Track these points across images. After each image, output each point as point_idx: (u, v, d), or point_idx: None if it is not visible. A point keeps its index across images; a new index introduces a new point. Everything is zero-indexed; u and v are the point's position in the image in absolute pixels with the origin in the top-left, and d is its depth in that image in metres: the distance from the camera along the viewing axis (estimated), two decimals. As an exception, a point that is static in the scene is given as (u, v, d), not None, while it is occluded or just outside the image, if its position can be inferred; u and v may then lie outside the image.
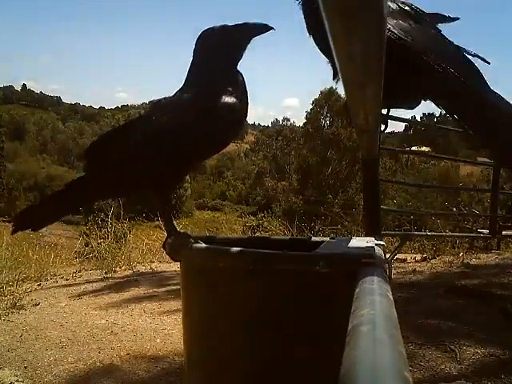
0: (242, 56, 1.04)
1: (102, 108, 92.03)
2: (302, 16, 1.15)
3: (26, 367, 1.97)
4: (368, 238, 0.94)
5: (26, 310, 2.89)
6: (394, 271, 3.42)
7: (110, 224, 5.17)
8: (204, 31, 1.04)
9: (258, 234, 6.58)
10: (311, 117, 24.95)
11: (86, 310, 2.88)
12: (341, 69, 0.65)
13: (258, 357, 0.76)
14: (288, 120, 28.51)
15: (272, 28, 1.01)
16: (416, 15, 1.14)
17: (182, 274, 0.91)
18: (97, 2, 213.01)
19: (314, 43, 1.16)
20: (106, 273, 4.11)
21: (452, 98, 1.15)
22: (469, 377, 1.69)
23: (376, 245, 0.80)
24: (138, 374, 1.89)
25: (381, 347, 0.27)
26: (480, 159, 4.52)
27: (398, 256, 3.92)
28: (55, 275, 4.26)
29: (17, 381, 1.83)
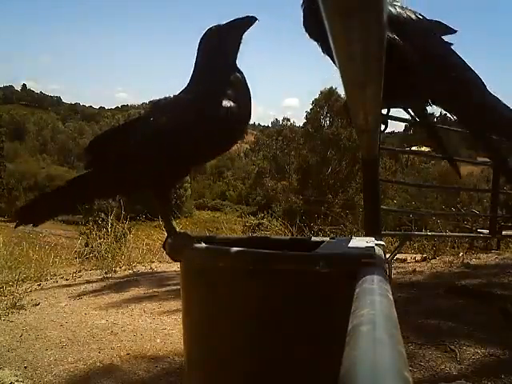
0: (238, 52, 1.05)
1: (101, 108, 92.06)
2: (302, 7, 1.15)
3: (25, 367, 1.97)
4: (368, 238, 0.94)
5: (26, 309, 2.89)
6: (393, 271, 3.42)
7: (110, 224, 5.18)
8: (204, 32, 1.06)
9: (257, 234, 6.58)
10: (311, 117, 24.96)
11: (86, 310, 2.88)
12: (341, 69, 0.65)
13: (257, 357, 0.76)
14: (288, 120, 28.46)
15: (256, 19, 1.03)
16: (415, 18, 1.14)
17: (181, 274, 0.91)
18: (97, 2, 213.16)
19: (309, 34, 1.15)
20: (106, 273, 4.11)
21: (451, 99, 1.15)
22: (469, 377, 1.69)
23: (376, 245, 0.80)
24: (137, 374, 1.89)
25: (381, 347, 0.27)
26: (480, 159, 4.52)
27: (398, 256, 3.92)
28: (55, 275, 4.26)
29: (17, 381, 1.83)
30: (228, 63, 1.03)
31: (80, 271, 4.50)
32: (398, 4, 1.11)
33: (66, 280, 4.04)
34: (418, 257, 4.28)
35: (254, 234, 6.60)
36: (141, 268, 4.48)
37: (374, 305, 0.38)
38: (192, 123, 0.92)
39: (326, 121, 24.97)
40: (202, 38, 1.06)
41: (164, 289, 3.43)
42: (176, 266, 4.01)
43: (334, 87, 24.15)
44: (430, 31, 1.14)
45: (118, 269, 4.37)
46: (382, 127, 1.33)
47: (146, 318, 2.66)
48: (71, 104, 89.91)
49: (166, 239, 0.96)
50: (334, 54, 0.58)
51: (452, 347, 1.95)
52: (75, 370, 1.94)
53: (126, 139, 0.98)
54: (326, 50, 1.10)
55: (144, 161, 0.96)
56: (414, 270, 3.54)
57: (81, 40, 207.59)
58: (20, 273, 3.87)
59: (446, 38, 1.16)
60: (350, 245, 0.84)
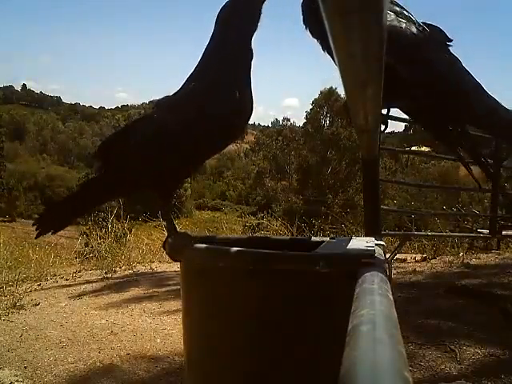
0: (256, 27, 1.00)
1: (101, 108, 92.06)
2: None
3: (25, 367, 1.97)
4: (368, 238, 0.94)
5: (26, 309, 2.89)
6: (394, 271, 3.42)
7: (110, 224, 5.18)
8: (222, 6, 1.02)
9: (257, 234, 6.58)
10: (311, 117, 24.97)
11: (86, 310, 2.88)
12: (341, 68, 0.65)
13: (257, 357, 0.76)
14: (288, 120, 28.47)
15: None
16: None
17: (182, 274, 0.91)
18: (97, 2, 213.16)
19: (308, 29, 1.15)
20: (106, 273, 4.11)
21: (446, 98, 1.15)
22: (469, 377, 1.69)
23: (376, 245, 0.80)
24: (137, 374, 1.89)
25: (381, 347, 0.27)
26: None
27: (398, 256, 3.92)
28: (55, 275, 4.26)
29: (17, 381, 1.83)
30: (241, 41, 0.98)
31: (80, 271, 4.49)
32: (398, 9, 1.11)
33: (66, 280, 4.04)
34: (418, 257, 4.28)
35: (254, 234, 6.60)
36: (141, 268, 4.48)
37: (374, 305, 0.38)
38: (192, 121, 0.92)
39: (325, 121, 24.99)
40: (219, 12, 1.01)
41: (164, 289, 3.43)
42: (176, 266, 4.01)
43: (333, 87, 24.19)
44: (425, 41, 1.14)
45: (118, 269, 4.36)
46: (382, 127, 1.33)
47: (146, 318, 2.66)
48: (71, 104, 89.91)
49: (166, 239, 0.96)
50: (333, 53, 0.58)
51: (452, 347, 1.95)
52: (75, 370, 1.94)
53: (127, 140, 0.98)
54: (327, 48, 1.10)
55: (145, 161, 0.96)
56: (414, 270, 3.54)
57: (81, 40, 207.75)
58: (20, 273, 3.87)
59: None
60: (349, 245, 0.84)
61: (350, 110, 0.98)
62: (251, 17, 1.00)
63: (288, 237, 3.79)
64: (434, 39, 1.15)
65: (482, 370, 1.74)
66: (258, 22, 1.00)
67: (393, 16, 1.09)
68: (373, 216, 1.50)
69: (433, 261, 4.03)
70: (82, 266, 4.79)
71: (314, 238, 1.07)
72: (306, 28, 1.15)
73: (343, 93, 0.87)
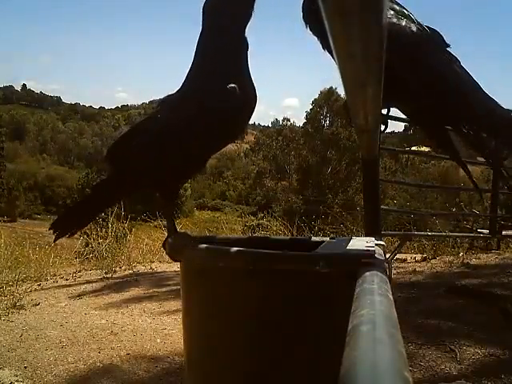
0: (250, 14, 0.96)
1: (101, 108, 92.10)
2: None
3: (25, 367, 1.97)
4: (368, 238, 0.94)
5: (26, 309, 2.89)
6: (394, 271, 3.42)
7: (111, 224, 5.18)
8: None
9: (257, 234, 6.57)
10: (311, 117, 24.97)
11: (86, 309, 2.88)
12: (341, 68, 0.65)
13: (257, 357, 0.76)
14: (288, 120, 28.47)
15: None
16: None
17: (182, 274, 0.91)
18: (97, 2, 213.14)
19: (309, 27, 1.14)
20: (106, 273, 4.11)
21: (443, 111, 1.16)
22: (469, 377, 1.69)
23: (376, 245, 0.80)
24: (137, 374, 1.89)
25: (381, 347, 0.27)
26: (480, 159, 4.52)
27: (398, 256, 3.92)
28: (55, 275, 4.26)
29: (17, 381, 1.83)
30: (233, 32, 0.95)
31: (80, 271, 4.50)
32: (397, 8, 1.11)
33: (66, 280, 4.04)
34: (418, 257, 4.27)
35: (254, 234, 6.60)
36: (141, 268, 4.48)
37: (374, 305, 0.38)
38: (194, 117, 0.90)
39: (325, 121, 24.99)
40: (205, 2, 0.97)
41: (164, 289, 3.43)
42: (176, 266, 4.01)
43: (333, 87, 24.19)
44: (425, 41, 1.13)
45: (117, 269, 4.36)
46: (382, 127, 1.33)
47: (146, 318, 2.66)
48: (71, 104, 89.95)
49: (166, 239, 0.96)
50: (333, 53, 0.58)
51: (452, 347, 1.95)
52: (75, 370, 1.94)
53: (133, 141, 0.99)
54: (327, 47, 1.10)
55: (147, 160, 0.96)
56: (414, 270, 3.54)
57: (81, 40, 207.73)
58: (20, 273, 3.87)
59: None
60: (349, 245, 0.84)
61: (349, 110, 0.98)
62: (243, 2, 0.96)
63: (288, 237, 3.79)
64: (434, 39, 1.15)
65: (482, 370, 1.74)
66: (251, 9, 0.96)
67: (392, 14, 1.09)
68: (373, 216, 1.50)
69: (433, 261, 4.03)
70: (82, 266, 4.79)
71: (314, 238, 1.07)
72: (306, 26, 1.15)
73: (343, 93, 0.87)
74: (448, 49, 1.16)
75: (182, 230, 1.06)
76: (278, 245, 1.08)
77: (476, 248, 4.56)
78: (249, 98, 0.94)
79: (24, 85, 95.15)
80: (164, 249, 0.96)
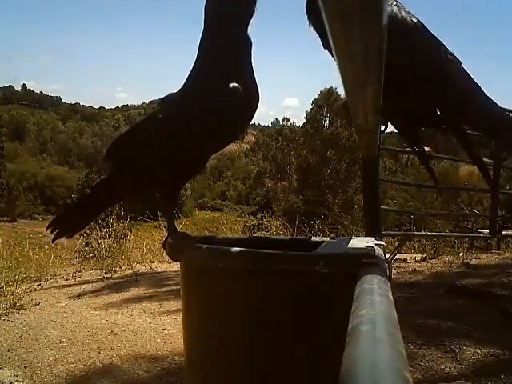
0: (253, 10, 0.95)
1: (101, 108, 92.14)
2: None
3: (25, 367, 1.97)
4: (368, 238, 0.94)
5: (26, 309, 2.89)
6: (394, 271, 3.42)
7: (111, 224, 5.18)
8: None
9: (257, 234, 6.57)
10: (311, 117, 24.97)
11: (86, 310, 2.88)
12: (341, 68, 0.65)
13: (257, 357, 0.76)
14: (288, 120, 28.47)
15: None
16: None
17: (182, 274, 0.91)
18: (97, 2, 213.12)
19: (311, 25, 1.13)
20: (106, 273, 4.11)
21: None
22: (469, 377, 1.69)
23: (376, 245, 0.80)
24: (137, 374, 1.89)
25: (381, 347, 0.27)
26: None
27: (398, 256, 3.92)
28: (55, 275, 4.26)
29: (17, 381, 1.83)
30: (235, 33, 0.94)
31: (80, 271, 4.50)
32: (399, 4, 1.10)
33: (66, 280, 4.04)
34: (418, 257, 4.27)
35: (254, 234, 6.60)
36: (141, 268, 4.48)
37: (374, 305, 0.38)
38: (194, 116, 0.90)
39: (325, 121, 24.99)
40: (206, 2, 0.97)
41: (164, 289, 3.43)
42: (176, 266, 4.01)
43: (333, 87, 24.19)
44: (425, 35, 1.12)
45: (118, 269, 4.37)
46: (382, 127, 1.32)
47: (146, 318, 2.66)
48: (71, 104, 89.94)
49: (166, 239, 0.96)
50: (333, 53, 0.58)
51: (452, 347, 1.95)
52: (75, 370, 1.94)
53: (133, 140, 0.98)
54: (327, 45, 1.10)
55: (147, 160, 0.96)
56: (414, 270, 3.54)
57: (81, 40, 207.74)
58: (20, 273, 3.87)
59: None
60: (349, 245, 0.84)
61: (349, 109, 0.98)
62: (244, 1, 0.95)
63: (288, 237, 3.79)
64: (431, 35, 1.14)
65: (482, 370, 1.74)
66: (253, 6, 0.95)
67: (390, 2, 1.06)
68: (373, 216, 1.50)
69: (433, 261, 4.03)
70: (82, 266, 4.79)
71: (314, 238, 1.07)
72: (309, 23, 1.14)
73: (343, 93, 0.87)
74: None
75: (182, 230, 1.06)
76: (277, 245, 1.08)
77: (476, 248, 4.57)
78: (250, 98, 0.93)
79: (24, 85, 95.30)
80: (164, 249, 0.96)
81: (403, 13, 1.09)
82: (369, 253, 0.70)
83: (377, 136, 1.24)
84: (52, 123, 68.33)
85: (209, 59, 0.96)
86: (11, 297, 3.10)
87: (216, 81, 0.92)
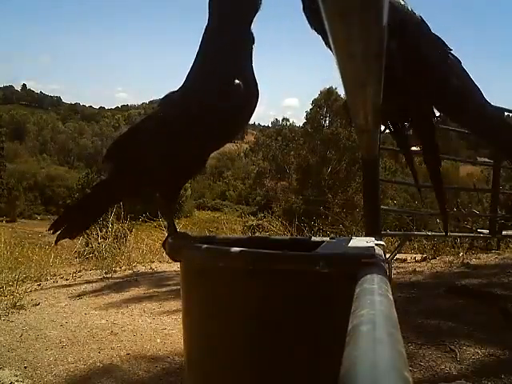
0: (257, 7, 0.95)
1: (101, 108, 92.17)
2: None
3: (25, 367, 1.97)
4: (368, 238, 0.94)
5: (26, 309, 2.89)
6: (393, 271, 3.42)
7: (111, 224, 5.18)
8: None
9: (257, 234, 6.57)
10: (311, 117, 24.96)
11: (86, 310, 2.88)
12: (341, 68, 0.65)
13: (257, 357, 0.76)
14: (287, 120, 28.50)
15: None
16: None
17: (182, 274, 0.91)
18: (97, 2, 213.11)
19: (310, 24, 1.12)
20: (106, 273, 4.11)
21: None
22: (469, 377, 1.69)
23: (376, 245, 0.80)
24: (137, 374, 1.89)
25: (381, 347, 0.27)
26: (480, 159, 4.53)
27: (398, 256, 3.92)
28: (55, 275, 4.26)
29: (17, 381, 1.83)
30: (238, 27, 0.94)
31: (80, 271, 4.50)
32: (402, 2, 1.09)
33: (66, 280, 4.04)
34: (418, 257, 4.28)
35: (254, 234, 6.60)
36: (141, 268, 4.48)
37: (374, 305, 0.38)
38: (194, 115, 0.90)
39: (325, 121, 24.98)
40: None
41: (164, 289, 3.43)
42: (176, 266, 4.01)
43: (333, 87, 24.17)
44: (427, 33, 1.11)
45: (118, 269, 4.37)
46: (382, 127, 1.32)
47: (146, 318, 2.66)
48: (71, 104, 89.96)
49: (166, 239, 0.96)
50: (333, 53, 0.58)
51: (452, 347, 1.95)
52: (75, 370, 1.94)
53: (133, 140, 0.98)
54: (329, 44, 1.09)
55: (147, 159, 0.95)
56: (414, 270, 3.54)
57: (81, 40, 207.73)
58: (20, 273, 3.87)
59: None
60: (350, 245, 0.84)
61: (349, 110, 0.98)
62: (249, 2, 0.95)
63: (288, 237, 3.79)
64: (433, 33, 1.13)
65: (482, 370, 1.74)
66: (258, 2, 0.95)
67: None
68: (373, 216, 1.50)
69: (433, 261, 4.03)
70: (82, 266, 4.79)
71: (314, 238, 1.07)
72: (308, 21, 1.13)
73: (343, 93, 0.87)
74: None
75: (182, 230, 1.06)
76: (278, 245, 1.08)
77: (476, 248, 4.57)
78: (250, 95, 0.93)
79: (24, 85, 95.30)
80: (164, 249, 0.96)
81: (408, 8, 1.07)
82: (369, 253, 0.70)
83: (377, 136, 1.24)
84: (52, 123, 68.35)
85: (210, 56, 0.96)
86: (11, 297, 3.09)
87: (216, 79, 0.92)
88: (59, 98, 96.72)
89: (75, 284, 3.78)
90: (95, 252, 4.92)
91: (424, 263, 3.93)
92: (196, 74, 0.96)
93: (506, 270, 3.29)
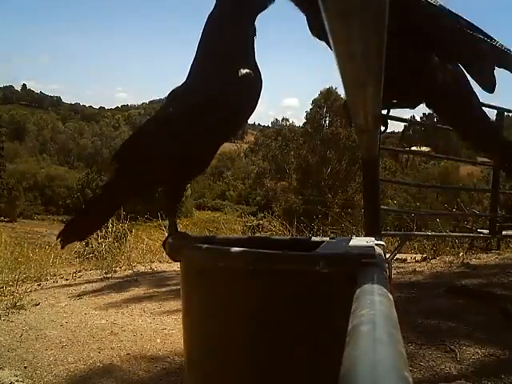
0: (266, 6, 0.95)
1: (102, 108, 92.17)
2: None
3: (25, 367, 1.97)
4: (368, 238, 0.94)
5: (26, 310, 2.89)
6: (394, 271, 3.42)
7: (111, 224, 5.17)
8: None
9: (257, 234, 6.57)
10: (311, 117, 24.96)
11: (86, 310, 2.88)
12: (341, 68, 0.65)
13: (257, 357, 0.76)
14: (287, 120, 28.54)
15: None
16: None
17: (182, 274, 0.91)
18: (97, 2, 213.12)
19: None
20: (105, 273, 4.11)
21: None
22: (469, 377, 1.69)
23: (376, 245, 0.80)
24: (137, 374, 1.89)
25: (381, 347, 0.27)
26: (480, 159, 4.53)
27: (397, 256, 3.92)
28: (55, 275, 4.25)
29: (17, 381, 1.83)
30: (245, 20, 0.95)
31: (80, 271, 4.49)
32: None
33: (66, 280, 4.04)
34: (418, 257, 4.27)
35: (254, 234, 6.60)
36: (141, 268, 4.48)
37: (374, 305, 0.38)
38: (194, 114, 0.90)
39: (325, 121, 24.98)
40: None
41: (164, 289, 3.43)
42: (176, 266, 4.01)
43: (333, 87, 24.18)
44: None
45: (118, 269, 4.36)
46: (382, 127, 1.32)
47: (146, 318, 2.66)
48: (71, 104, 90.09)
49: (166, 239, 0.96)
50: (333, 53, 0.58)
51: (452, 347, 1.95)
52: (75, 370, 1.94)
53: (139, 139, 0.98)
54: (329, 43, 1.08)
55: (148, 159, 0.95)
56: (414, 270, 3.54)
57: (80, 40, 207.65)
58: (20, 273, 3.87)
59: None
60: (350, 245, 0.84)
61: (349, 109, 0.98)
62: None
63: (288, 237, 3.79)
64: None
65: (482, 370, 1.74)
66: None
67: None
68: (373, 216, 1.50)
69: (433, 261, 4.03)
70: (82, 266, 4.78)
71: (314, 238, 1.07)
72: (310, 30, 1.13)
73: (343, 92, 0.87)
74: None
75: (182, 230, 1.06)
76: (278, 245, 1.08)
77: (476, 248, 4.56)
78: (256, 81, 0.94)
79: (24, 85, 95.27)
80: (164, 249, 0.96)
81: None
82: (369, 253, 0.70)
83: (377, 136, 1.24)
84: (52, 123, 68.31)
85: (215, 43, 0.96)
86: (11, 297, 3.09)
87: (215, 77, 0.92)
88: (59, 98, 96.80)
89: (75, 284, 3.78)
90: (95, 252, 4.92)
91: (424, 263, 3.93)
92: (198, 66, 0.96)
93: (505, 270, 3.29)
